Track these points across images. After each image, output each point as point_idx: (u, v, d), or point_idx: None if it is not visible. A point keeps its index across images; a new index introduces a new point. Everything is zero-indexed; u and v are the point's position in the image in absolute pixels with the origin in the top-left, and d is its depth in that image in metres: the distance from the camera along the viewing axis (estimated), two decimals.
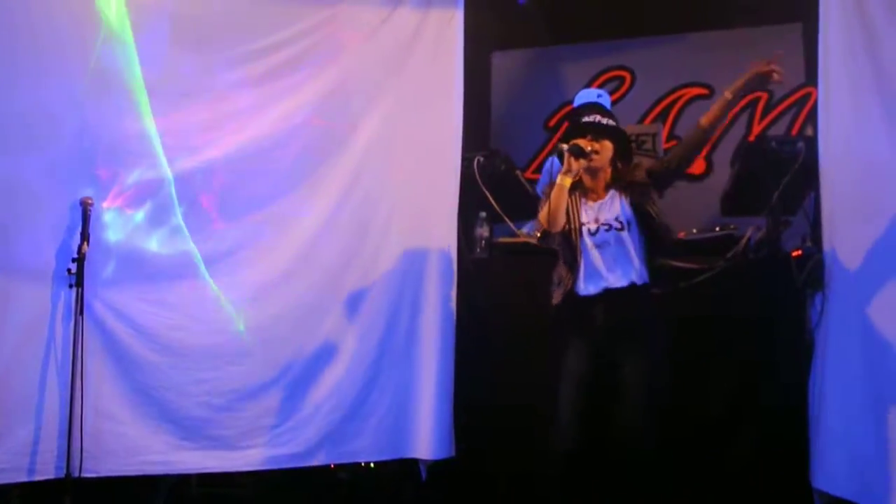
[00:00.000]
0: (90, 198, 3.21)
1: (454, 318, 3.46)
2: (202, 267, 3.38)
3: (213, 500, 3.59)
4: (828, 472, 2.91)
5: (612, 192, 2.88)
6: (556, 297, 2.90)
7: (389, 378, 3.42)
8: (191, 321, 3.33)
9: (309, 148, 3.51)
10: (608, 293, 2.79)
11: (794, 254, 3.14)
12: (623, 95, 4.96)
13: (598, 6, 4.69)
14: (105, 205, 3.30)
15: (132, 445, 3.21)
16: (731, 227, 3.56)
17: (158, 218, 3.37)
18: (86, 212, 3.17)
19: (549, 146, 5.08)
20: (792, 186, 3.25)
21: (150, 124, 3.36)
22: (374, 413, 3.40)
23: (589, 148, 2.80)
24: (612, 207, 2.85)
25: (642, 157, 3.80)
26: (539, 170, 5.03)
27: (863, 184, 2.95)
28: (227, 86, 3.47)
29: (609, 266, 2.81)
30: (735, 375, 3.20)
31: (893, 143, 2.90)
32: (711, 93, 4.74)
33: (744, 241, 3.37)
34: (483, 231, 3.70)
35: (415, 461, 3.42)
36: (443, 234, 3.49)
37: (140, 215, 3.35)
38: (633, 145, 3.00)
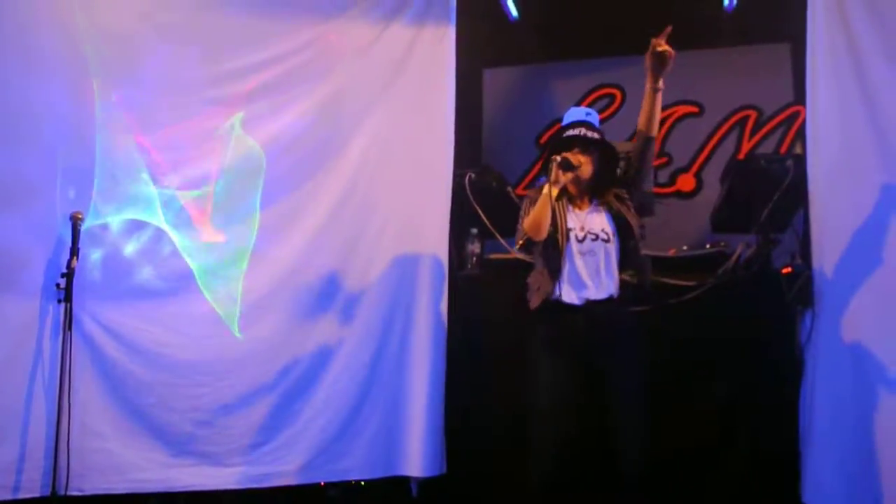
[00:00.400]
0: (80, 212, 3.21)
1: (446, 334, 3.45)
2: (195, 279, 3.37)
3: None
4: (819, 487, 2.92)
5: (595, 203, 2.92)
6: (534, 302, 2.90)
7: (380, 395, 3.40)
8: (179, 337, 3.32)
9: (302, 162, 3.51)
10: (588, 304, 2.81)
11: (784, 271, 3.16)
12: (614, 113, 4.97)
13: (590, 24, 4.72)
14: (94, 220, 3.29)
15: (119, 463, 3.18)
16: (721, 244, 3.59)
17: (147, 233, 3.36)
18: (75, 227, 3.17)
19: (541, 162, 5.10)
20: (781, 204, 3.28)
21: (140, 137, 3.37)
22: (364, 430, 3.37)
23: (577, 162, 2.84)
24: (599, 218, 2.88)
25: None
26: (530, 186, 5.04)
27: (851, 201, 2.98)
28: (219, 100, 3.48)
29: (591, 275, 2.82)
30: (725, 392, 3.21)
31: (881, 161, 2.95)
32: (701, 111, 4.78)
33: (734, 258, 3.39)
34: (475, 247, 3.71)
35: (406, 478, 3.40)
36: (434, 250, 3.48)
37: (128, 229, 3.35)
38: (623, 162, 3.01)
